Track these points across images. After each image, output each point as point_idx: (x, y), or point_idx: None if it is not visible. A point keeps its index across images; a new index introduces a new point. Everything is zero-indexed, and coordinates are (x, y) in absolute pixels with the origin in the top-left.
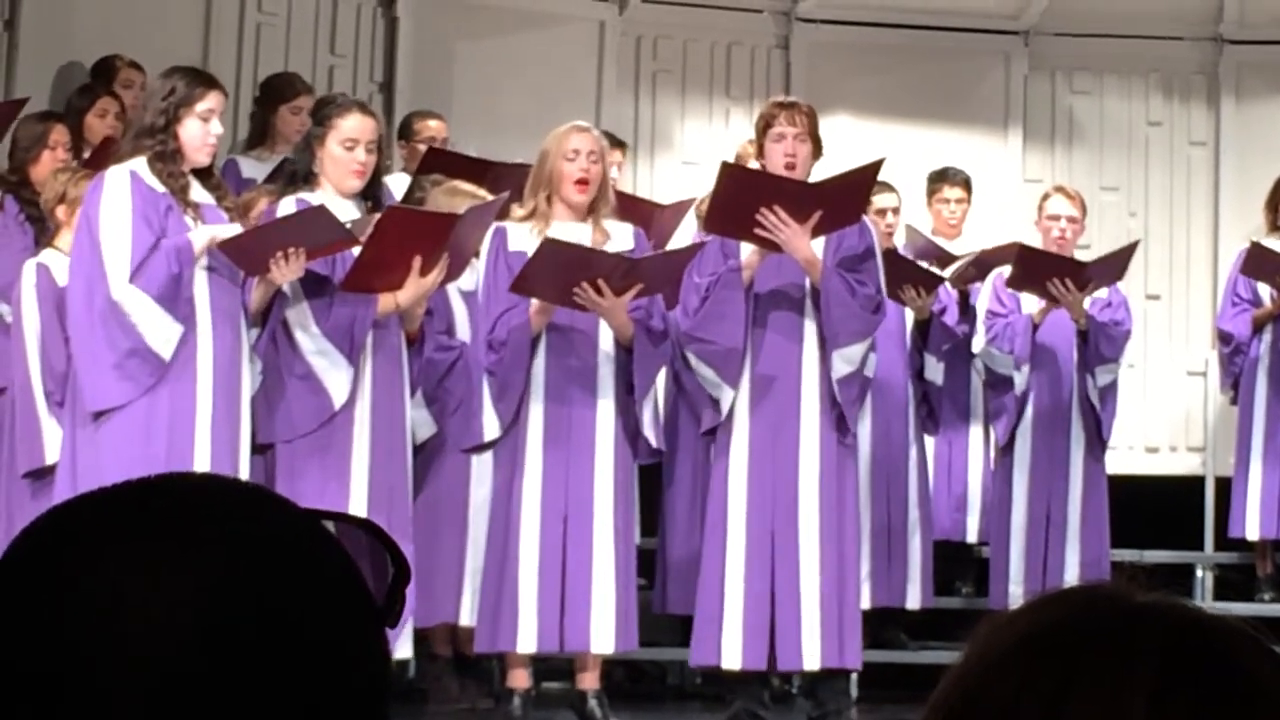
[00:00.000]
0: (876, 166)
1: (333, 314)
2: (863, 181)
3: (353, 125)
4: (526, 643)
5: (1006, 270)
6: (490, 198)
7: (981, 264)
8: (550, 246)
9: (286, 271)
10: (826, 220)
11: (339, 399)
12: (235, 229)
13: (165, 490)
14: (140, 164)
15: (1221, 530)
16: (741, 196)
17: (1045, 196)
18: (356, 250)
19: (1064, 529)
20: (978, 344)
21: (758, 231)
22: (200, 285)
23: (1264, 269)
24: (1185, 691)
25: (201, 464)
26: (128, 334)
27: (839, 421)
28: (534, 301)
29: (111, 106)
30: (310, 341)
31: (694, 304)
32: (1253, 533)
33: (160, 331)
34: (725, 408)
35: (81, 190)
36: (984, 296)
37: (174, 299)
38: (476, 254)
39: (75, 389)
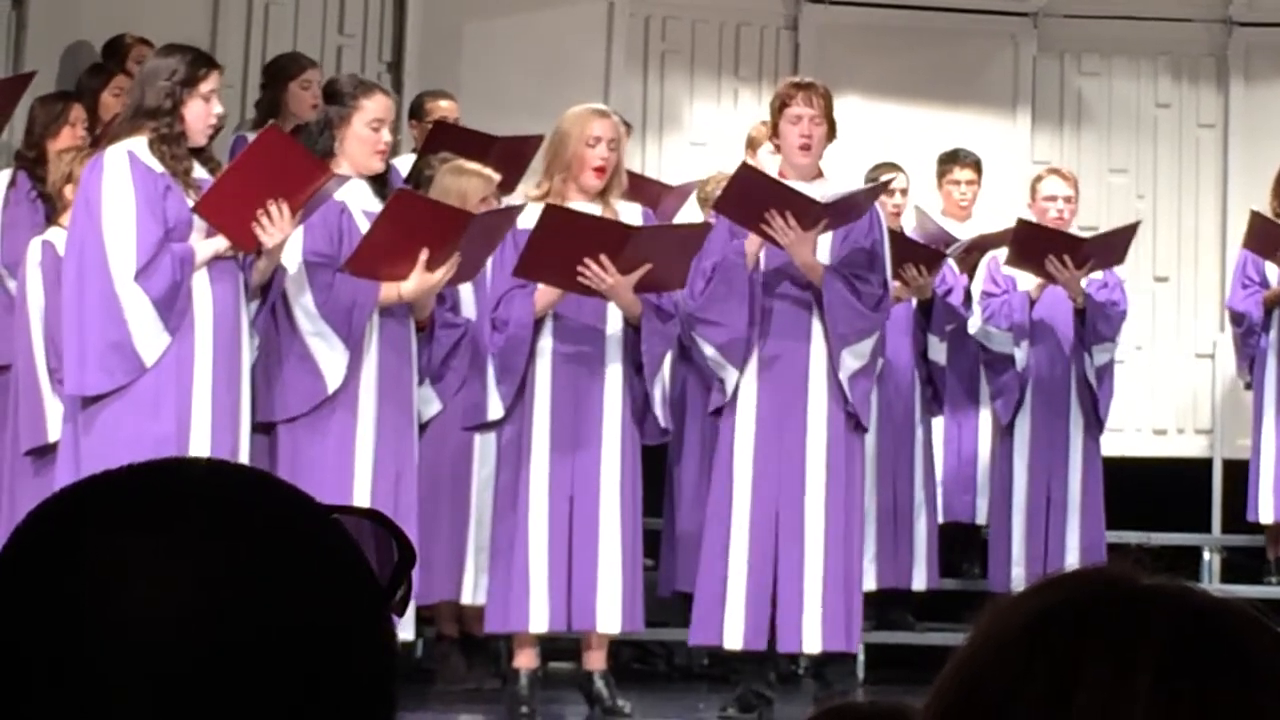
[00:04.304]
0: (882, 188)
1: (332, 295)
2: (873, 196)
3: (378, 106)
4: (538, 622)
5: (999, 253)
6: (495, 175)
7: (983, 248)
8: (553, 214)
9: (275, 231)
10: (833, 224)
11: (333, 382)
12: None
13: (172, 476)
14: (139, 144)
15: (1229, 513)
16: (753, 195)
17: (1039, 178)
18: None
19: (1064, 510)
20: (974, 324)
21: (763, 228)
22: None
23: (1268, 243)
24: (1189, 674)
25: (201, 441)
26: (117, 328)
27: (847, 403)
28: (540, 285)
29: (127, 84)
30: (309, 322)
31: (699, 285)
32: (1267, 516)
33: (150, 337)
34: (730, 388)
35: None
36: (978, 279)
37: (170, 306)
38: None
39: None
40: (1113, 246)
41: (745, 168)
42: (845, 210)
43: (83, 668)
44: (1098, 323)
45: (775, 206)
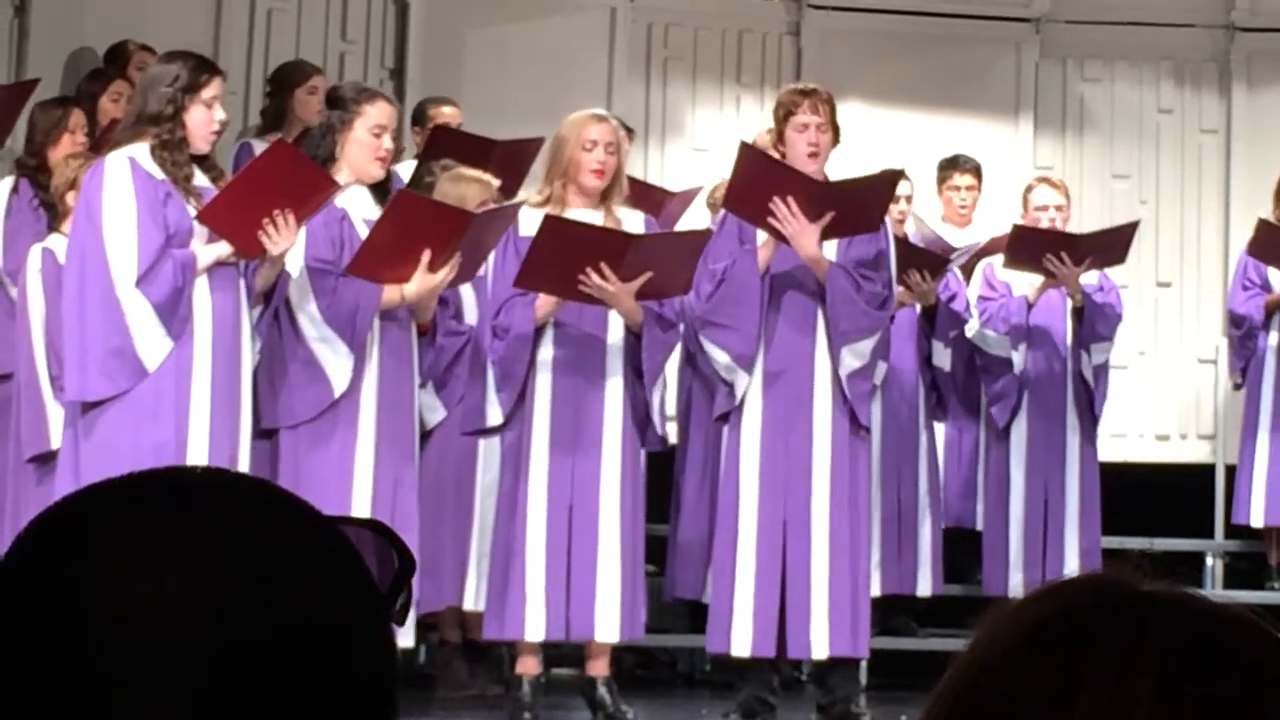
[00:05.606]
0: (896, 177)
1: (335, 299)
2: (880, 189)
3: (381, 112)
4: (534, 631)
5: (995, 258)
6: (494, 181)
7: (990, 254)
8: (553, 224)
9: (280, 240)
10: (842, 224)
11: (339, 386)
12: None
13: (174, 481)
14: (140, 150)
15: (1231, 518)
16: (757, 181)
17: (1029, 188)
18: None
19: (1062, 515)
20: (971, 327)
21: (769, 220)
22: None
23: (1273, 250)
24: (1191, 680)
25: (199, 448)
26: (119, 333)
27: (847, 402)
28: (541, 295)
29: (125, 90)
30: (313, 327)
31: (707, 288)
32: (1257, 520)
33: (152, 342)
34: (740, 392)
35: None
36: (974, 284)
37: (173, 312)
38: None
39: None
40: (1112, 245)
41: (746, 148)
42: (853, 203)
43: (83, 668)
44: (1096, 322)
45: (778, 190)
